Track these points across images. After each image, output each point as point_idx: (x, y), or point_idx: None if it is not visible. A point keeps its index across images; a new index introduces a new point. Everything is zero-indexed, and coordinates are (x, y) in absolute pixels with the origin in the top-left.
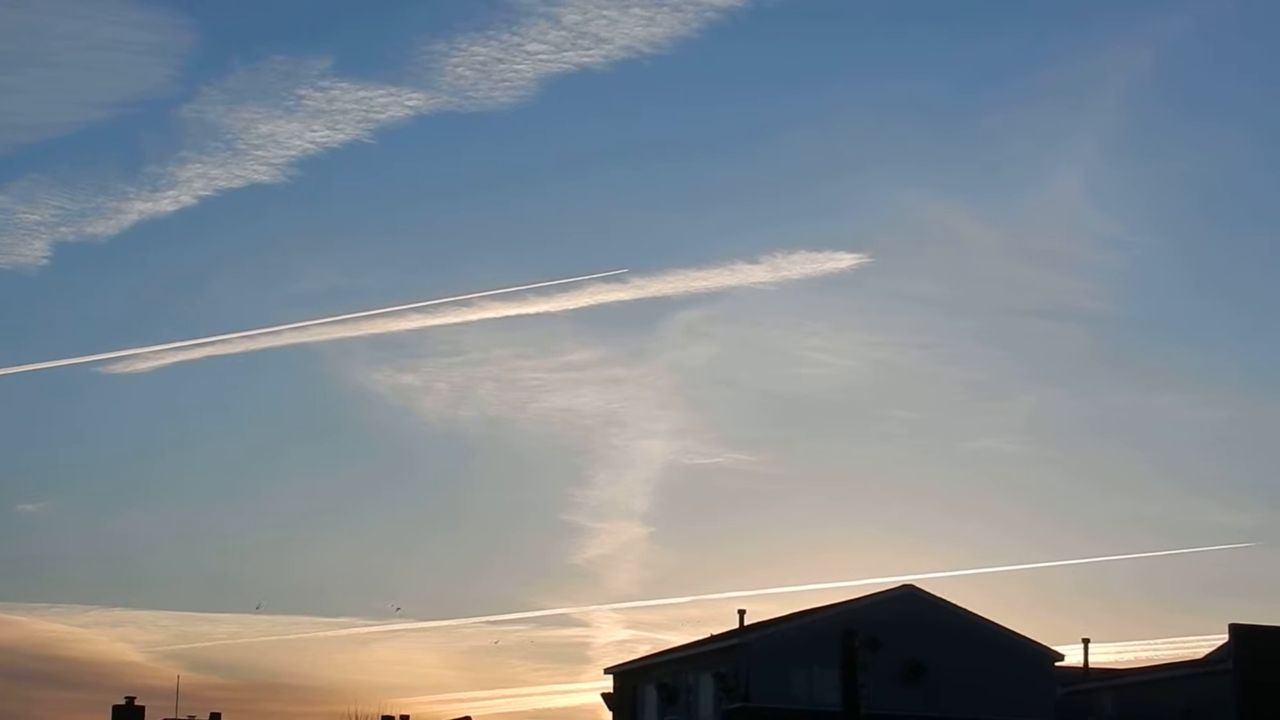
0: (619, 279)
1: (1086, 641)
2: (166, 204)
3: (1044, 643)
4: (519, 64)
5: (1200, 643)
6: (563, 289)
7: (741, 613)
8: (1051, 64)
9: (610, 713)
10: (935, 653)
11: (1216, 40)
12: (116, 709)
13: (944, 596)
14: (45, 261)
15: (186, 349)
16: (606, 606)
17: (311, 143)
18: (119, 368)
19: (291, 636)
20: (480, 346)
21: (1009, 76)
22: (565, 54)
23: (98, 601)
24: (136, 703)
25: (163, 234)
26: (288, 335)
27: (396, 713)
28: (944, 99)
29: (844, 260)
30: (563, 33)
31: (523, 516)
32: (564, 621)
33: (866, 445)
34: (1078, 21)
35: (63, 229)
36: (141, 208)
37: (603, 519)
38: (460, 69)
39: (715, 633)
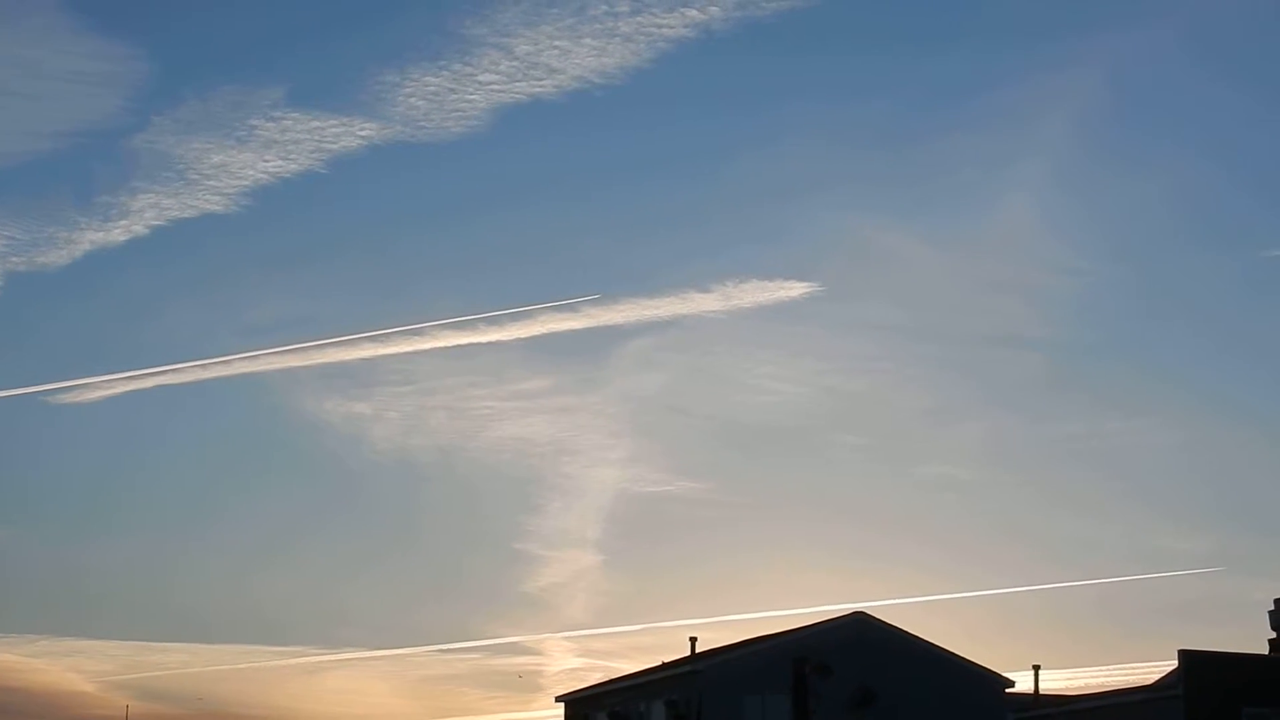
0: (570, 308)
1: (1037, 668)
2: (118, 234)
3: (995, 669)
4: (471, 94)
5: (1151, 669)
6: (514, 318)
7: (693, 640)
8: (1002, 87)
9: None
10: (886, 679)
11: (1167, 63)
12: None
13: (895, 623)
14: None
15: (138, 378)
16: (558, 634)
17: (264, 172)
18: (70, 397)
19: (242, 666)
20: (432, 375)
21: (959, 100)
22: (517, 84)
23: (48, 631)
24: None
25: (115, 264)
26: (239, 365)
27: None
28: (894, 123)
29: (795, 289)
30: (515, 63)
31: (475, 545)
32: (516, 650)
33: (818, 472)
34: (1028, 44)
35: (14, 259)
36: (93, 237)
37: (554, 547)
38: (413, 99)
39: (667, 660)
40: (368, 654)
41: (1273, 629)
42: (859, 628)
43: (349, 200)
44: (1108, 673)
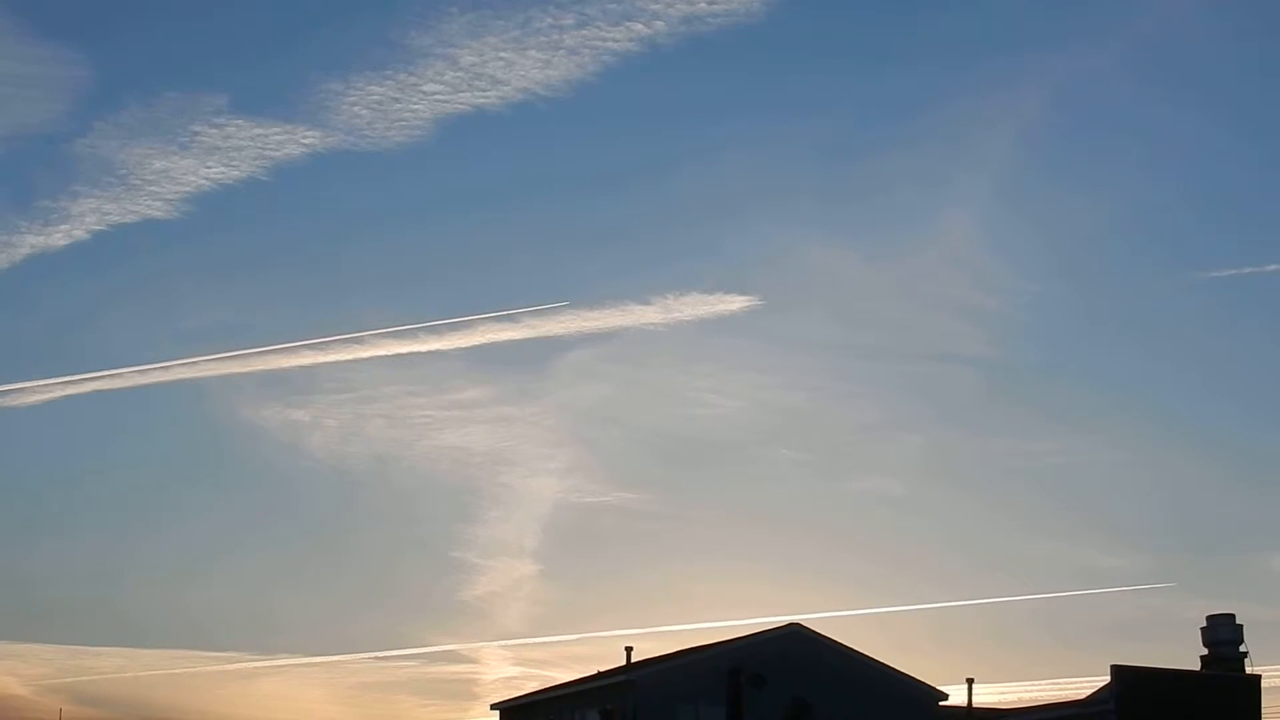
0: (510, 318)
1: (971, 681)
2: (59, 238)
3: (929, 682)
4: (415, 104)
5: (1085, 684)
6: (454, 327)
7: (629, 650)
8: (944, 105)
9: None
10: (821, 690)
11: (1111, 80)
12: None
13: (831, 635)
14: None
15: (75, 383)
16: (495, 643)
17: (206, 179)
18: (6, 402)
19: (178, 671)
20: (370, 384)
21: (901, 117)
22: (461, 95)
23: None
24: None
25: (54, 268)
26: (177, 371)
27: None
28: (836, 139)
29: (735, 302)
30: (459, 74)
31: (411, 553)
32: (452, 658)
33: (755, 485)
34: (970, 62)
35: None
36: (33, 241)
37: (491, 556)
38: (356, 108)
39: (602, 670)
40: (303, 660)
41: (1205, 646)
42: (794, 639)
43: (291, 208)
44: (1041, 687)
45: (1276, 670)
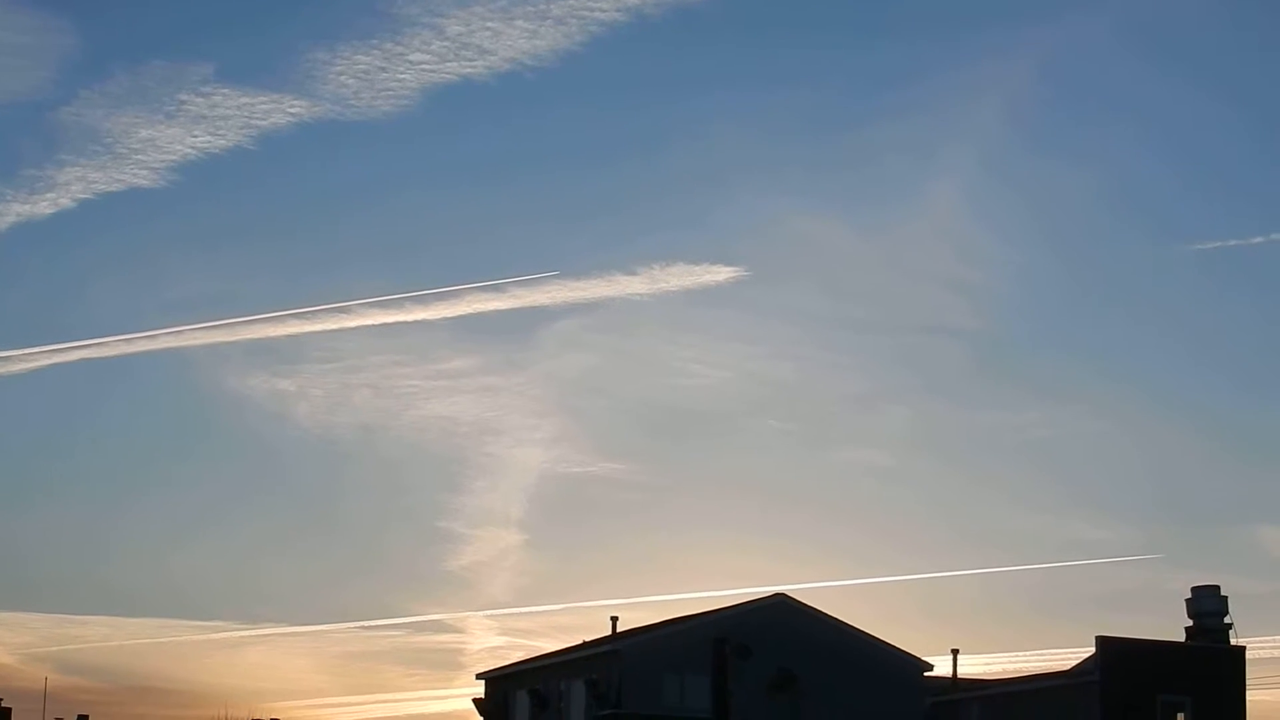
0: (497, 289)
1: (955, 652)
2: (45, 207)
3: (914, 653)
4: (402, 73)
5: (1070, 655)
6: (441, 297)
7: (614, 620)
8: (932, 76)
9: (482, 718)
10: (806, 661)
11: (1099, 52)
12: None
13: (816, 606)
14: None
15: (61, 352)
16: (480, 613)
17: (192, 148)
18: None
19: (163, 639)
20: (357, 353)
21: (888, 89)
22: (448, 64)
23: None
24: (3, 704)
25: (40, 236)
26: (163, 340)
27: (267, 717)
28: (823, 111)
29: (721, 273)
30: (446, 43)
31: (398, 523)
32: (438, 628)
33: (741, 456)
34: (958, 34)
35: None
36: (19, 210)
37: (478, 526)
38: (343, 77)
39: (588, 639)
40: (289, 630)
41: (1190, 618)
42: (779, 610)
43: (277, 177)
44: (1026, 658)
45: (1261, 642)
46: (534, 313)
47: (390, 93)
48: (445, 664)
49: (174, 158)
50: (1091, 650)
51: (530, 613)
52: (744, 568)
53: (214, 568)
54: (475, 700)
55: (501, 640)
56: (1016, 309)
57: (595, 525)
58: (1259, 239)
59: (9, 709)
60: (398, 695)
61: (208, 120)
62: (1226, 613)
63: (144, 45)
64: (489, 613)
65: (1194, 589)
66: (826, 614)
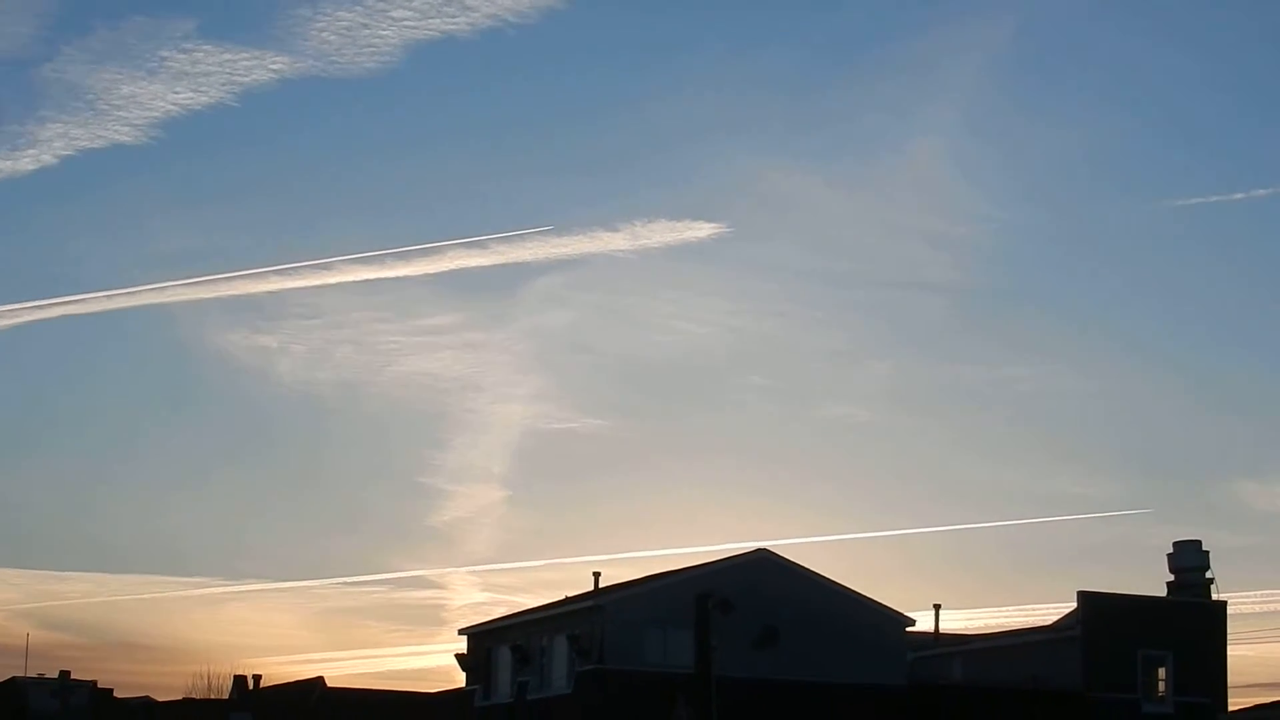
0: (479, 245)
1: (938, 607)
2: (26, 163)
3: (896, 608)
4: (384, 30)
5: (1052, 610)
6: (423, 254)
7: (596, 575)
8: (912, 33)
9: (464, 674)
10: (788, 617)
11: (1079, 11)
12: None
13: (798, 561)
14: None
15: (43, 308)
16: (463, 569)
17: (174, 104)
18: None
19: (146, 596)
20: (339, 309)
21: (868, 46)
22: (430, 21)
23: None
24: None
25: (22, 193)
26: (145, 296)
27: (250, 673)
28: (804, 69)
29: (702, 229)
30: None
31: (380, 479)
32: (420, 583)
33: (723, 412)
34: None
35: None
36: (1, 166)
37: (460, 482)
38: (325, 34)
39: (570, 595)
40: (271, 585)
41: (1171, 573)
42: (762, 565)
43: (259, 133)
44: (1008, 613)
45: (1242, 596)
46: (516, 269)
47: (372, 49)
48: (427, 619)
49: (156, 114)
50: (1073, 605)
51: (512, 568)
52: (726, 523)
53: (196, 524)
54: (457, 656)
55: (484, 596)
56: (997, 264)
57: (577, 481)
58: (1239, 195)
59: None
60: (380, 651)
61: (189, 77)
62: (1208, 567)
63: (125, 1)
64: (471, 569)
65: (1176, 544)
66: (809, 569)
